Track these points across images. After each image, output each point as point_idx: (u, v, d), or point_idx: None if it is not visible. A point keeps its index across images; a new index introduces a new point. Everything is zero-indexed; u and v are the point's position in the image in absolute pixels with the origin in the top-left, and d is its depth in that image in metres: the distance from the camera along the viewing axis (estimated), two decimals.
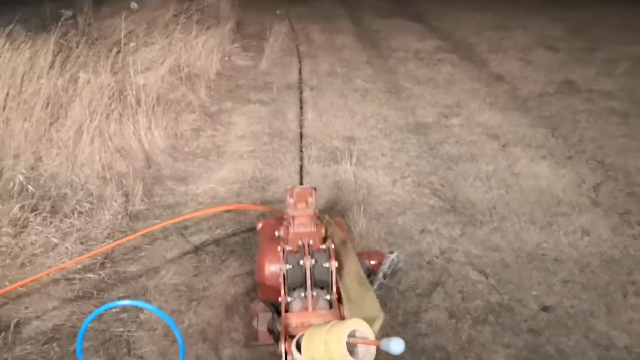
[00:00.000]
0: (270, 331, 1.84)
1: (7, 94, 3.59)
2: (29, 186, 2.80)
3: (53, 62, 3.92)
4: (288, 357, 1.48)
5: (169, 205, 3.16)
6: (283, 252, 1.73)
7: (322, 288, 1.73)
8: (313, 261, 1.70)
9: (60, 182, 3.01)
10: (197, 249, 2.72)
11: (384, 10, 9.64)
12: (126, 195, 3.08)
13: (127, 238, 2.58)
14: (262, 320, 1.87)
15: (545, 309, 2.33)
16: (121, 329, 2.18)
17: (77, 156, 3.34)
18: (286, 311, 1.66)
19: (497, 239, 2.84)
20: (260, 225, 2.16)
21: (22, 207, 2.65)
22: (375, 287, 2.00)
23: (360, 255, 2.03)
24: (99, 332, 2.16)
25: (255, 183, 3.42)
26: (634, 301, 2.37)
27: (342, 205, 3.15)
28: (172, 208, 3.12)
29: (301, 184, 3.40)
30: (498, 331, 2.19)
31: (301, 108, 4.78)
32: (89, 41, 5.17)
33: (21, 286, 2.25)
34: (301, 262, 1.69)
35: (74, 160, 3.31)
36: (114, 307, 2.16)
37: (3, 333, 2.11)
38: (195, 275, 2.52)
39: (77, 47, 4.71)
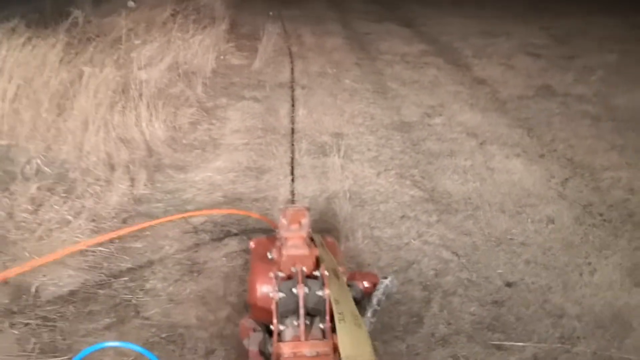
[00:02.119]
0: (262, 353, 1.78)
1: (18, 85, 3.84)
2: (46, 168, 3.05)
3: (62, 57, 4.16)
4: None
5: (169, 190, 3.41)
6: (275, 278, 1.71)
7: (315, 316, 1.71)
8: (306, 289, 1.67)
9: (71, 167, 3.26)
10: (196, 229, 2.98)
11: (374, 15, 9.93)
12: (131, 180, 3.34)
13: (135, 227, 2.78)
14: (254, 341, 1.81)
15: (508, 284, 2.62)
16: (130, 295, 2.44)
17: (84, 144, 3.59)
18: (278, 340, 1.66)
19: (469, 225, 3.12)
20: (252, 244, 2.12)
21: (39, 188, 2.91)
22: (368, 314, 1.97)
23: (352, 277, 2.04)
24: (110, 298, 2.42)
25: (250, 172, 3.68)
26: (588, 279, 2.66)
27: (329, 193, 3.42)
28: (173, 193, 3.37)
29: (292, 174, 3.67)
30: (465, 302, 2.48)
31: (293, 105, 5.04)
32: (91, 37, 5.42)
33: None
34: (294, 290, 1.66)
35: (81, 148, 3.56)
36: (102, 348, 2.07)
37: (24, 296, 2.36)
38: (196, 251, 2.77)
39: (80, 42, 4.97)
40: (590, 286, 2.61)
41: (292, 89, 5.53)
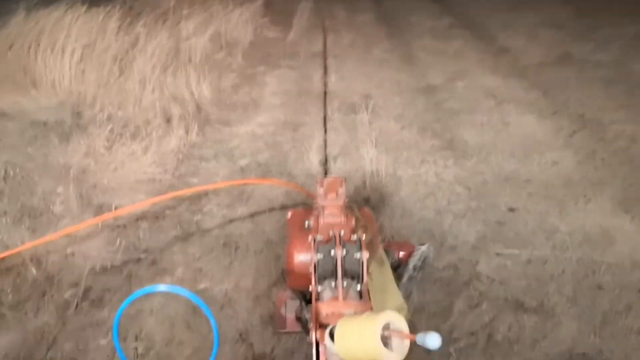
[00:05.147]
0: (298, 319, 1.85)
1: (83, 47, 4.36)
2: (119, 112, 3.58)
3: (119, 24, 4.68)
4: (320, 346, 1.48)
5: (218, 140, 3.90)
6: (314, 242, 1.72)
7: (352, 278, 1.71)
8: (344, 252, 1.67)
9: (134, 118, 3.78)
10: (242, 169, 3.46)
11: None
12: (185, 129, 3.84)
13: (192, 189, 3.17)
14: (290, 308, 1.91)
15: (511, 209, 3.03)
16: (191, 216, 2.95)
17: (142, 101, 4.10)
18: (317, 300, 1.67)
19: (482, 167, 3.53)
20: (289, 214, 2.14)
21: (111, 130, 3.44)
22: (405, 279, 2.03)
23: (389, 246, 2.09)
24: (175, 217, 2.93)
25: (287, 125, 4.15)
26: (582, 206, 3.06)
27: (357, 142, 3.86)
28: (221, 142, 3.87)
29: (325, 127, 4.12)
30: (472, 222, 2.91)
31: (325, 72, 5.49)
32: (141, 12, 5.94)
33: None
34: (332, 253, 1.67)
35: (140, 105, 4.08)
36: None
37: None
38: (244, 185, 3.26)
39: (131, 16, 5.49)
40: (583, 211, 3.01)
41: (325, 57, 5.97)
